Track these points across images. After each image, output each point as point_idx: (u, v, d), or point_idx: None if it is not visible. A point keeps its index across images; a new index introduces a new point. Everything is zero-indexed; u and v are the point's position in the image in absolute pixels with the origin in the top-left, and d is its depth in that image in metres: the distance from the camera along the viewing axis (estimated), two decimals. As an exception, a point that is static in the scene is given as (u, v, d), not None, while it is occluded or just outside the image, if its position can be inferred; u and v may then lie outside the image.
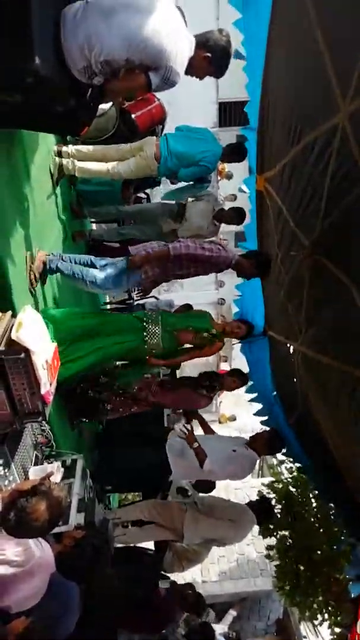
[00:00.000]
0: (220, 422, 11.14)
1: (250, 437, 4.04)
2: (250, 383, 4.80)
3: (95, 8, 2.03)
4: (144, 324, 3.36)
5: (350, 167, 2.29)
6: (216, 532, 3.98)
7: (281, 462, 5.23)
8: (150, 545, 4.58)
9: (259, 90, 3.44)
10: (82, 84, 2.13)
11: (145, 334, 3.33)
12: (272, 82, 3.23)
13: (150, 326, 3.35)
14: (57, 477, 2.42)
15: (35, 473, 2.43)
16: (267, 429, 4.36)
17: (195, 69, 2.39)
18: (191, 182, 4.58)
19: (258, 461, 4.80)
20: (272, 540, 4.67)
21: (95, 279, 3.18)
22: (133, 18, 2.01)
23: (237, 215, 4.39)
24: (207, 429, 4.27)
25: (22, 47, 1.85)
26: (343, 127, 2.26)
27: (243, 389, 4.47)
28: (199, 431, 4.05)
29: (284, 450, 4.58)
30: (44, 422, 2.43)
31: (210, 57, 2.40)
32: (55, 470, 2.48)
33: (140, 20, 2.00)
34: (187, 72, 2.34)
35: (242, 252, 3.73)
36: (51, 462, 2.68)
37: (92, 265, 3.34)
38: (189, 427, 3.66)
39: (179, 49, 2.16)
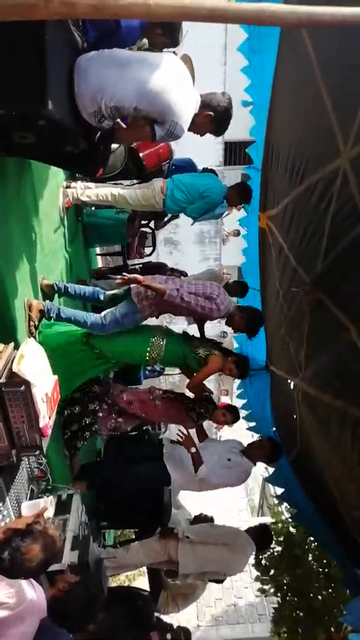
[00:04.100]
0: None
1: (248, 445, 3.98)
2: (249, 412, 4.78)
3: (111, 58, 2.16)
4: (152, 338, 3.43)
5: (351, 209, 2.36)
6: (212, 557, 3.84)
7: (282, 502, 5.12)
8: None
9: (263, 132, 3.58)
10: (91, 126, 2.23)
11: (150, 346, 3.41)
12: (276, 125, 3.37)
13: (157, 339, 3.43)
14: (50, 512, 2.37)
15: (27, 509, 2.38)
16: (263, 438, 4.28)
17: (197, 125, 2.53)
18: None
19: (258, 500, 4.69)
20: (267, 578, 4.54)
21: (97, 326, 3.26)
22: (146, 73, 2.13)
23: (241, 289, 4.45)
24: (202, 436, 4.15)
25: (37, 91, 1.94)
26: (344, 171, 2.34)
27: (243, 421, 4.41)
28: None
29: (282, 492, 4.50)
30: (41, 455, 2.41)
31: (213, 116, 2.55)
32: (48, 504, 2.43)
33: (151, 76, 2.12)
34: (189, 129, 2.47)
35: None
36: (43, 497, 2.62)
37: (96, 300, 3.44)
38: (185, 431, 3.66)
39: (185, 107, 2.28)
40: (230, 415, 3.85)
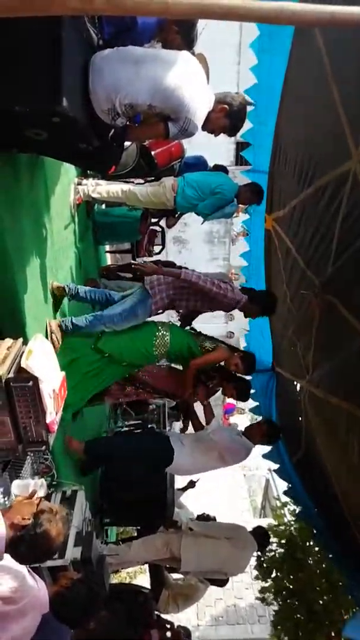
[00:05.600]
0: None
1: (246, 428, 3.99)
2: (256, 404, 4.76)
3: (126, 55, 2.15)
4: (156, 333, 3.46)
5: (362, 212, 2.34)
6: (214, 551, 3.86)
7: (284, 505, 5.11)
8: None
9: (264, 134, 3.57)
10: (105, 124, 2.23)
11: (155, 340, 3.45)
12: (286, 127, 3.35)
13: (161, 333, 3.46)
14: (40, 493, 2.36)
15: (18, 488, 2.36)
16: (261, 420, 4.25)
17: (212, 121, 2.51)
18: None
19: (261, 501, 4.68)
20: (267, 584, 4.54)
21: (112, 319, 3.30)
22: (160, 69, 2.13)
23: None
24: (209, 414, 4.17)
25: (51, 88, 1.95)
26: (355, 174, 2.33)
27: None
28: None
29: (286, 489, 4.49)
30: (47, 451, 2.41)
31: (228, 110, 2.54)
32: (38, 487, 2.42)
33: (166, 73, 2.12)
34: (203, 128, 2.47)
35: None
36: (34, 479, 2.59)
37: (108, 302, 3.46)
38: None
39: (199, 104, 2.28)
40: (238, 392, 3.85)
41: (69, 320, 3.25)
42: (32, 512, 1.81)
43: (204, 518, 4.43)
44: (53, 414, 2.17)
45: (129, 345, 3.41)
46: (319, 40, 2.49)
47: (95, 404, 3.94)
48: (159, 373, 3.84)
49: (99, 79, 2.12)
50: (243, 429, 3.97)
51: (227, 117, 2.54)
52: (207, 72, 2.51)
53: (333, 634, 3.99)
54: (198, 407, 4.10)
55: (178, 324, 3.96)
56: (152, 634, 3.66)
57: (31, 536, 1.72)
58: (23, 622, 1.77)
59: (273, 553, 4.73)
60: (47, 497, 2.68)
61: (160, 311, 3.56)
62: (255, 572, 4.90)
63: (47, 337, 3.09)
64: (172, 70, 2.13)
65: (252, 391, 4.86)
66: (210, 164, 4.91)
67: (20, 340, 2.20)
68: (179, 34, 2.42)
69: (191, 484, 4.74)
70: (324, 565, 4.43)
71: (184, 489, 4.74)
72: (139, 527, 4.89)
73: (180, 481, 4.56)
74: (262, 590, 4.70)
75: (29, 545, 1.72)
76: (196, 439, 3.77)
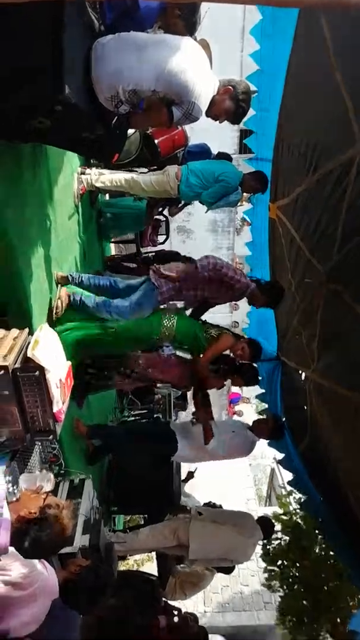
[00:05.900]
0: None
1: (254, 422, 4.06)
2: (262, 392, 4.79)
3: (128, 42, 2.13)
4: (164, 319, 3.50)
5: (368, 199, 2.32)
6: (221, 537, 3.92)
7: (289, 493, 5.14)
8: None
9: (267, 121, 3.53)
10: (108, 112, 2.21)
11: (162, 325, 3.48)
12: (289, 114, 3.30)
13: (168, 318, 3.50)
14: (47, 488, 2.38)
15: (25, 481, 2.38)
16: (268, 415, 4.32)
17: (216, 105, 2.49)
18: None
19: (266, 489, 4.72)
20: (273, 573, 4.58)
21: (118, 310, 3.30)
22: (164, 54, 2.11)
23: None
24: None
25: (53, 75, 1.93)
26: (360, 160, 2.30)
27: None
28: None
29: (290, 479, 4.51)
30: (54, 440, 2.43)
31: (232, 91, 2.53)
32: (45, 482, 2.43)
33: (169, 57, 2.10)
34: (207, 114, 2.46)
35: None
36: (43, 471, 2.61)
37: (112, 289, 3.45)
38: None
39: (203, 87, 2.26)
40: (244, 378, 3.87)
41: (79, 295, 3.27)
42: (38, 506, 1.82)
43: (210, 506, 4.48)
44: (60, 404, 2.18)
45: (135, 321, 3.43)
46: (323, 24, 2.44)
47: (102, 390, 3.98)
48: (168, 366, 3.86)
49: (102, 66, 2.10)
50: (250, 423, 4.02)
51: (231, 99, 2.52)
52: (210, 58, 2.48)
53: (339, 620, 4.03)
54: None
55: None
56: (160, 620, 3.71)
57: (36, 530, 1.73)
58: (33, 608, 1.80)
59: (279, 541, 4.77)
60: (55, 486, 2.70)
61: (164, 305, 3.57)
62: (261, 560, 4.96)
63: (52, 304, 3.11)
64: (176, 55, 2.10)
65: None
66: (214, 152, 4.87)
67: (26, 330, 2.20)
68: (181, 18, 2.39)
69: (190, 475, 4.80)
70: (329, 553, 4.47)
71: (185, 480, 4.79)
72: (146, 516, 4.95)
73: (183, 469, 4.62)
74: (269, 578, 4.76)
75: (33, 539, 1.73)
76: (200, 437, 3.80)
